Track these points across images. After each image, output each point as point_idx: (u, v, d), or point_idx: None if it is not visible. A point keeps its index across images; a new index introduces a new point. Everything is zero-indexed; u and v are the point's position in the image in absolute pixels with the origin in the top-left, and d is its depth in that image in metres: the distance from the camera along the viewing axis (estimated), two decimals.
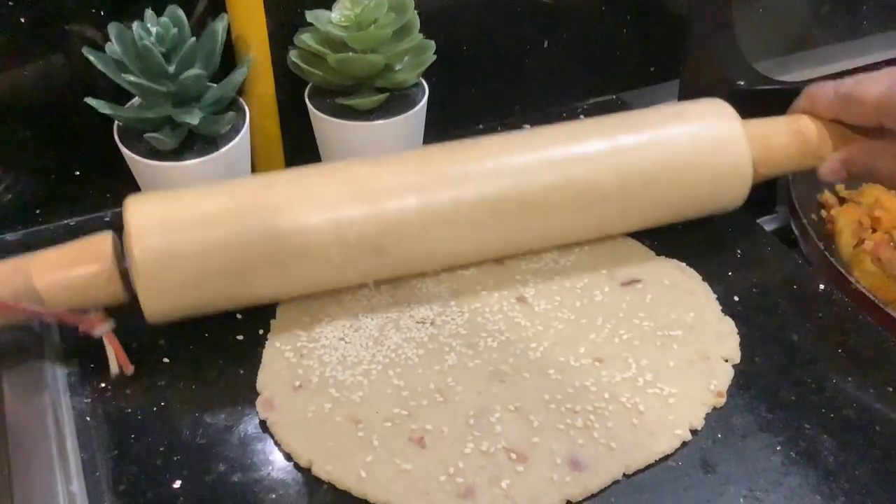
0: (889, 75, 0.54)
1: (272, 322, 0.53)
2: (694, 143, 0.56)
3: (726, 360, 0.51)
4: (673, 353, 0.51)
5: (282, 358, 0.51)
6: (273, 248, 0.49)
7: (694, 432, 0.47)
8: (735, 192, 0.58)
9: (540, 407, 0.48)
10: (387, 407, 0.48)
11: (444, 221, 0.52)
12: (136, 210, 0.49)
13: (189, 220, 0.49)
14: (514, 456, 0.45)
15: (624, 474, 0.45)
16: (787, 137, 0.58)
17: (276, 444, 0.47)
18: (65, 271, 0.48)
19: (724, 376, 0.50)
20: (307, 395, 0.49)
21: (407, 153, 0.55)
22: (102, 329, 0.49)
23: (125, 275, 0.49)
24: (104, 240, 0.50)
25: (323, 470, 0.45)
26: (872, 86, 0.54)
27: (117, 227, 0.62)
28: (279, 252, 0.50)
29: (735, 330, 0.53)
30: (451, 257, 0.55)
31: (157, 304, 0.49)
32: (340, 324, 0.53)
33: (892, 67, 0.55)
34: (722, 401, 0.49)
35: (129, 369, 0.50)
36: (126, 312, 0.52)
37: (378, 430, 0.47)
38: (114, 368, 0.50)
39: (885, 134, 0.55)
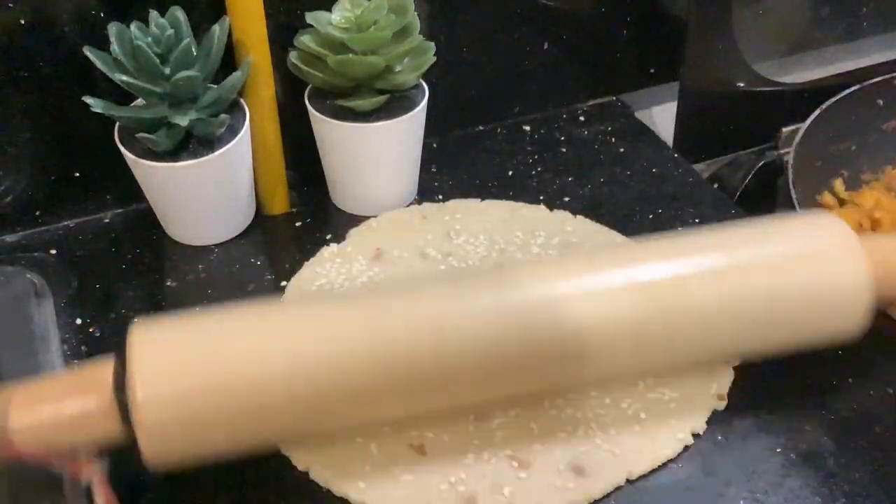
0: None
1: None
2: (803, 260, 0.47)
3: (727, 363, 0.51)
4: None
5: None
6: (299, 396, 0.42)
7: (696, 436, 0.47)
8: (851, 318, 0.47)
9: (541, 413, 0.48)
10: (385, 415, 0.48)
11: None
12: (142, 342, 0.41)
13: (201, 361, 0.41)
14: (515, 463, 0.45)
15: (627, 479, 0.45)
16: None
17: (276, 447, 0.47)
18: (56, 404, 0.40)
19: (724, 379, 0.50)
20: None
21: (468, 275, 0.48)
22: (91, 473, 0.41)
23: (124, 408, 0.40)
24: (103, 371, 0.41)
25: (321, 476, 0.45)
26: None
27: (117, 229, 0.62)
28: (305, 401, 0.42)
29: None
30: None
31: (160, 451, 0.41)
32: None
33: None
34: (723, 404, 0.49)
35: None
36: (123, 311, 0.52)
37: (377, 436, 0.47)
38: None
39: None
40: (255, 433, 0.42)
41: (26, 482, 0.43)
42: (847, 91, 0.72)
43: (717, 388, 0.49)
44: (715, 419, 0.48)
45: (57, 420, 0.40)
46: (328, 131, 0.60)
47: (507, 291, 0.44)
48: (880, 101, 0.75)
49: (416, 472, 0.45)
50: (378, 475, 0.45)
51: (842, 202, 0.72)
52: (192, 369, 0.41)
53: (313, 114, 0.60)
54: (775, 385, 0.51)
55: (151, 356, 0.40)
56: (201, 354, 0.41)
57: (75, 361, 0.51)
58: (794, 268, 0.46)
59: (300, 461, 0.46)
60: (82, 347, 0.52)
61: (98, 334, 0.53)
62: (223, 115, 0.56)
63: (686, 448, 0.47)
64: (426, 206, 0.64)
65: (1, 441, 0.39)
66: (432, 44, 0.61)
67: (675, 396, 0.49)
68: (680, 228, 0.61)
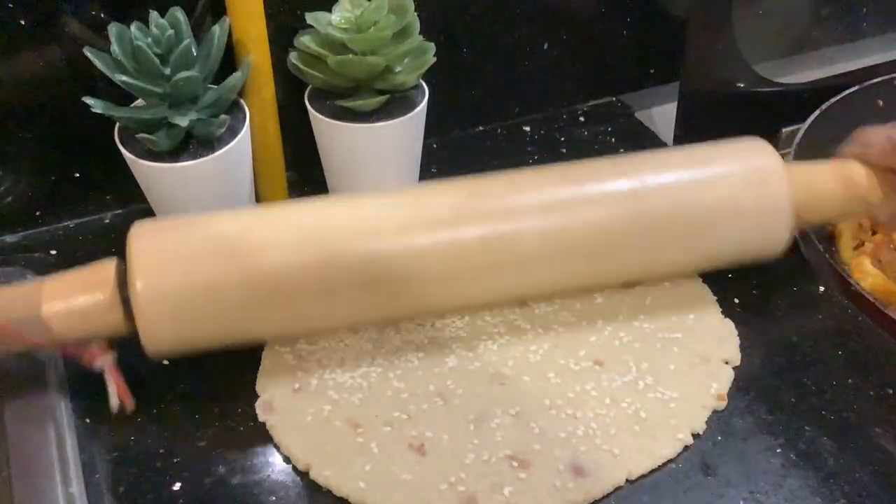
0: None
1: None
2: (731, 185, 0.51)
3: (726, 363, 0.51)
4: (673, 356, 0.51)
5: (281, 360, 0.51)
6: (290, 283, 0.47)
7: (696, 436, 0.47)
8: (773, 238, 0.53)
9: (541, 412, 0.48)
10: (386, 410, 0.48)
11: (474, 260, 0.49)
12: (141, 238, 0.47)
13: (197, 252, 0.47)
14: (515, 464, 0.45)
15: (627, 479, 0.45)
16: (833, 183, 0.54)
17: (276, 446, 0.47)
18: (68, 299, 0.46)
19: (724, 379, 0.50)
20: (306, 398, 0.49)
21: (428, 188, 0.53)
22: (103, 361, 0.47)
23: (127, 304, 0.46)
24: (107, 267, 0.47)
25: (321, 475, 0.45)
26: None
27: (116, 229, 0.62)
28: (297, 288, 0.47)
29: (735, 332, 0.53)
30: (478, 297, 0.52)
31: (158, 339, 0.47)
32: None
33: None
34: (723, 404, 0.49)
35: (130, 405, 0.48)
36: None
37: (377, 436, 0.47)
38: (113, 403, 0.48)
39: None
40: (246, 325, 0.48)
41: (19, 435, 0.46)
42: (847, 91, 0.72)
43: (717, 388, 0.49)
44: (715, 419, 0.49)
45: (70, 312, 0.46)
46: (328, 132, 0.60)
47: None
48: (880, 101, 0.75)
49: (415, 472, 0.45)
50: (378, 475, 0.45)
51: None
52: (186, 263, 0.46)
53: (313, 114, 0.60)
54: (775, 385, 0.51)
55: (149, 252, 0.46)
56: (196, 250, 0.47)
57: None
58: (724, 185, 0.51)
59: (300, 461, 0.46)
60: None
61: None
62: (223, 116, 0.56)
63: (686, 448, 0.47)
64: None
65: (41, 328, 0.46)
66: (432, 44, 0.61)
67: (675, 396, 0.49)
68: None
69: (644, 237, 0.51)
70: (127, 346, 0.48)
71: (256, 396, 0.49)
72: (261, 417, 0.48)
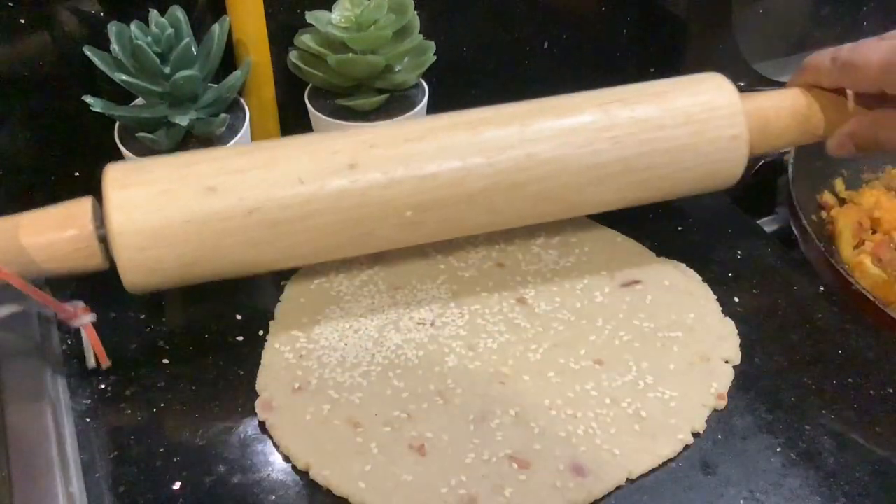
0: (889, 41, 0.52)
1: (271, 323, 0.53)
2: (688, 114, 0.54)
3: (727, 362, 0.51)
4: (673, 356, 0.51)
5: (281, 359, 0.51)
6: (271, 213, 0.48)
7: (696, 435, 0.47)
8: (730, 167, 0.55)
9: (541, 412, 0.48)
10: (386, 410, 0.48)
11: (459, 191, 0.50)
12: (116, 172, 0.48)
13: (175, 186, 0.47)
14: (515, 464, 0.45)
15: (627, 479, 0.45)
16: (784, 111, 0.56)
17: (276, 445, 0.47)
18: (45, 233, 0.47)
19: (724, 378, 0.50)
20: (306, 397, 0.49)
21: (411, 122, 0.54)
22: (81, 321, 0.49)
23: (104, 240, 0.47)
24: (83, 204, 0.48)
25: (321, 474, 0.45)
26: (873, 52, 0.52)
27: None
28: (279, 218, 0.48)
29: (735, 331, 0.53)
30: (451, 229, 0.53)
31: (137, 275, 0.48)
32: (340, 325, 0.53)
33: (890, 32, 0.53)
34: (723, 403, 0.49)
35: (106, 362, 0.50)
36: (123, 312, 0.52)
37: (377, 436, 0.47)
38: (90, 361, 0.50)
39: (887, 102, 0.53)
40: (226, 255, 0.48)
41: (19, 432, 0.47)
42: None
43: (717, 388, 0.49)
44: (715, 419, 0.49)
45: (48, 245, 0.47)
46: (328, 130, 0.60)
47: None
48: None
49: (416, 473, 0.45)
50: (378, 476, 0.45)
51: (842, 201, 0.72)
52: (163, 196, 0.47)
53: (313, 113, 0.60)
54: (775, 385, 0.51)
55: (123, 186, 0.47)
56: (174, 183, 0.47)
57: (75, 361, 0.51)
58: (683, 117, 0.53)
59: (300, 461, 0.46)
60: (82, 347, 0.52)
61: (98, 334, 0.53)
62: (223, 115, 0.56)
63: (686, 448, 0.47)
64: None
65: (22, 257, 0.46)
66: (432, 44, 0.61)
67: (675, 396, 0.49)
68: (680, 229, 0.61)
69: (603, 168, 0.52)
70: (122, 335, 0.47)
71: (256, 395, 0.49)
72: (260, 416, 0.48)
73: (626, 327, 0.53)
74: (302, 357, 0.51)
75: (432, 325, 0.53)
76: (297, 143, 0.51)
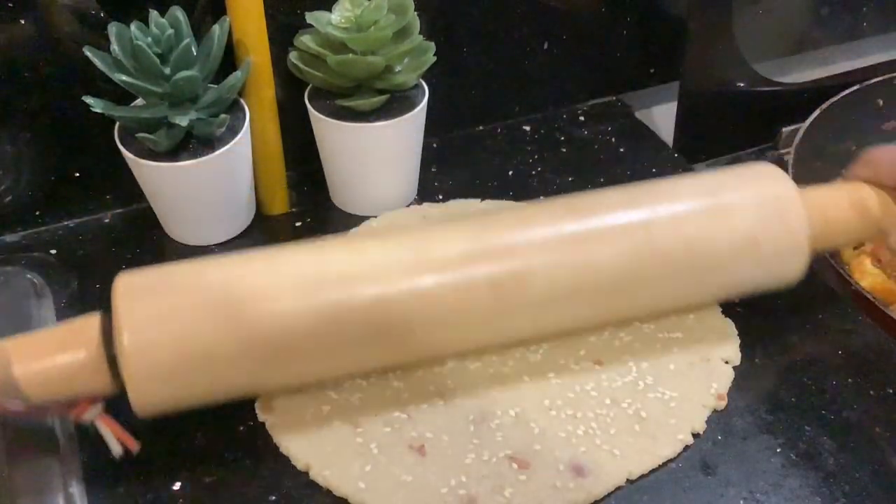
0: None
1: None
2: (746, 216, 0.49)
3: (727, 362, 0.51)
4: (673, 356, 0.51)
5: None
6: (289, 338, 0.44)
7: (696, 436, 0.47)
8: (791, 270, 0.51)
9: (541, 412, 0.48)
10: (386, 410, 0.48)
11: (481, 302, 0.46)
12: (127, 289, 0.43)
13: (188, 303, 0.43)
14: (515, 465, 0.45)
15: (627, 479, 0.45)
16: (847, 209, 0.51)
17: (275, 446, 0.47)
18: (44, 359, 0.42)
19: (724, 379, 0.50)
20: (306, 397, 0.48)
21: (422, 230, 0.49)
22: (92, 414, 0.44)
23: (113, 362, 0.42)
24: (90, 322, 0.44)
25: (321, 475, 0.45)
26: None
27: (117, 229, 0.62)
28: (296, 344, 0.44)
29: (735, 331, 0.53)
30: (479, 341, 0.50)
31: (148, 397, 0.43)
32: None
33: None
34: (723, 403, 0.49)
35: (134, 446, 0.44)
36: None
37: (377, 436, 0.46)
38: (115, 450, 0.44)
39: None
40: (238, 380, 0.45)
41: (19, 433, 0.45)
42: (847, 91, 0.73)
43: (717, 389, 0.49)
44: (715, 419, 0.48)
45: (49, 373, 0.42)
46: (328, 131, 0.60)
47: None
48: (880, 101, 0.75)
49: (416, 474, 0.45)
50: (378, 476, 0.45)
51: None
52: (177, 316, 0.43)
53: (313, 114, 0.60)
54: (775, 385, 0.51)
55: (135, 308, 0.43)
56: (187, 300, 0.43)
57: None
58: (739, 217, 0.49)
59: (300, 461, 0.46)
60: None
61: None
62: (223, 115, 0.56)
63: (686, 448, 0.47)
64: (426, 206, 0.64)
65: (9, 389, 0.41)
66: (432, 44, 0.61)
67: (675, 396, 0.49)
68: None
69: (658, 273, 0.48)
70: None
71: (256, 396, 0.49)
72: (260, 417, 0.48)
73: (626, 328, 0.53)
74: None
75: None
76: (340, 245, 0.48)
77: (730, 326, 0.53)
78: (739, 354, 0.52)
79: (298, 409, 0.48)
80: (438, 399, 0.48)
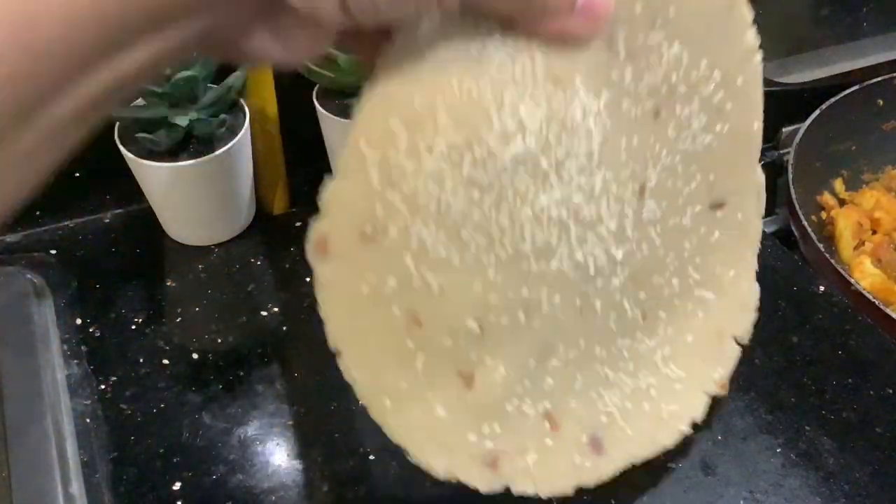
0: None
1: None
2: None
3: (737, 341, 0.48)
4: (695, 324, 0.47)
5: (363, 174, 0.33)
6: None
7: (695, 427, 0.47)
8: None
9: (589, 363, 0.42)
10: (462, 314, 0.37)
11: None
12: None
13: None
14: (548, 424, 0.41)
15: (632, 464, 0.43)
16: None
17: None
18: None
19: (729, 365, 0.47)
20: (375, 254, 0.34)
21: None
22: None
23: None
24: None
25: (348, 369, 0.36)
26: None
27: (117, 229, 0.62)
28: None
29: (757, 303, 0.48)
30: None
31: None
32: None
33: None
34: (723, 392, 0.48)
35: None
36: (123, 313, 0.52)
37: (431, 348, 0.37)
38: None
39: None
40: None
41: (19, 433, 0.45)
42: (847, 91, 0.73)
43: (720, 375, 0.47)
44: (714, 419, 0.48)
45: None
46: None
47: None
48: (880, 101, 0.75)
49: (451, 409, 0.38)
50: (410, 398, 0.37)
51: (842, 202, 0.72)
52: None
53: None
54: (775, 385, 0.51)
55: None
56: None
57: (75, 361, 0.51)
58: None
59: (333, 340, 0.36)
60: (82, 347, 0.52)
61: (98, 334, 0.53)
62: (223, 115, 0.56)
63: (685, 441, 0.45)
64: None
65: None
66: None
67: (682, 377, 0.46)
68: None
69: None
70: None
71: (255, 396, 0.49)
72: (310, 258, 0.34)
73: (682, 273, 0.45)
74: (392, 182, 0.33)
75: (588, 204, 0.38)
76: None
77: (755, 295, 0.48)
78: (751, 332, 0.48)
79: (360, 267, 0.35)
80: (521, 314, 0.38)
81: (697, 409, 0.46)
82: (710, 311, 0.48)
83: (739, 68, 0.40)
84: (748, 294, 0.49)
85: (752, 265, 0.48)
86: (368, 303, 0.35)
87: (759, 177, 0.45)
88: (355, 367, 0.36)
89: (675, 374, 0.46)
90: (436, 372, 0.37)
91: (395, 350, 0.36)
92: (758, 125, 0.43)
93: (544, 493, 0.41)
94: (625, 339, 0.44)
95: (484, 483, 0.39)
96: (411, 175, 0.33)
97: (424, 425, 0.38)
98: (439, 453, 0.38)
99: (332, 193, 0.34)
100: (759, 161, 0.61)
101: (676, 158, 0.41)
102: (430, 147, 0.33)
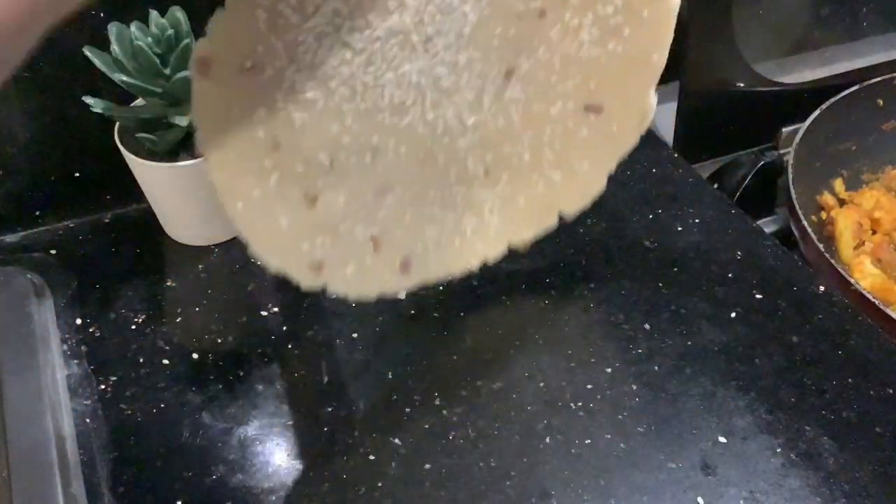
0: None
1: None
2: None
3: (561, 217, 0.49)
4: (533, 194, 0.48)
5: (251, 13, 0.39)
6: None
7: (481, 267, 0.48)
8: None
9: (420, 204, 0.46)
10: (316, 148, 0.42)
11: None
12: None
13: None
14: (372, 246, 0.45)
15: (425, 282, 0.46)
16: None
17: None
18: None
19: (542, 232, 0.48)
20: (250, 86, 0.40)
21: None
22: None
23: None
24: None
25: (210, 172, 0.41)
26: None
27: (117, 229, 0.62)
28: None
29: (596, 196, 0.49)
30: None
31: None
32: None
33: None
34: (524, 249, 0.48)
35: None
36: (123, 312, 0.52)
37: (286, 169, 0.42)
38: None
39: None
40: None
41: (19, 433, 0.45)
42: (847, 91, 0.73)
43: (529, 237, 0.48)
44: (714, 419, 0.49)
45: None
46: None
47: None
48: (880, 101, 0.75)
49: (292, 221, 0.43)
50: (259, 205, 0.42)
51: (842, 202, 0.72)
52: None
53: None
54: (775, 385, 0.51)
55: None
56: None
57: (75, 361, 0.51)
58: None
59: (203, 143, 0.41)
60: (82, 347, 0.52)
61: (98, 334, 0.54)
62: None
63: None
64: None
65: None
66: None
67: (499, 227, 0.48)
68: (679, 229, 0.61)
69: None
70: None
71: (255, 396, 0.49)
72: (192, 74, 0.40)
73: (536, 151, 0.47)
74: (277, 28, 0.39)
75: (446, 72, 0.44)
76: None
77: (598, 188, 0.49)
78: (578, 214, 0.49)
79: (234, 93, 0.40)
80: (368, 155, 0.44)
81: (494, 254, 0.48)
82: (552, 188, 0.49)
83: (646, 3, 0.44)
84: (595, 186, 0.49)
85: (610, 168, 0.50)
86: (237, 122, 0.41)
87: (650, 103, 0.49)
88: (217, 171, 0.41)
89: (494, 224, 0.48)
90: (285, 190, 0.43)
91: (254, 165, 0.42)
92: (657, 58, 0.46)
93: (352, 297, 0.45)
94: (461, 186, 0.47)
95: (307, 282, 0.44)
96: (294, 27, 0.39)
97: (268, 230, 0.43)
98: (276, 253, 0.43)
99: (220, 23, 0.39)
100: (759, 161, 0.61)
101: (555, 57, 0.45)
102: (318, 7, 0.39)
